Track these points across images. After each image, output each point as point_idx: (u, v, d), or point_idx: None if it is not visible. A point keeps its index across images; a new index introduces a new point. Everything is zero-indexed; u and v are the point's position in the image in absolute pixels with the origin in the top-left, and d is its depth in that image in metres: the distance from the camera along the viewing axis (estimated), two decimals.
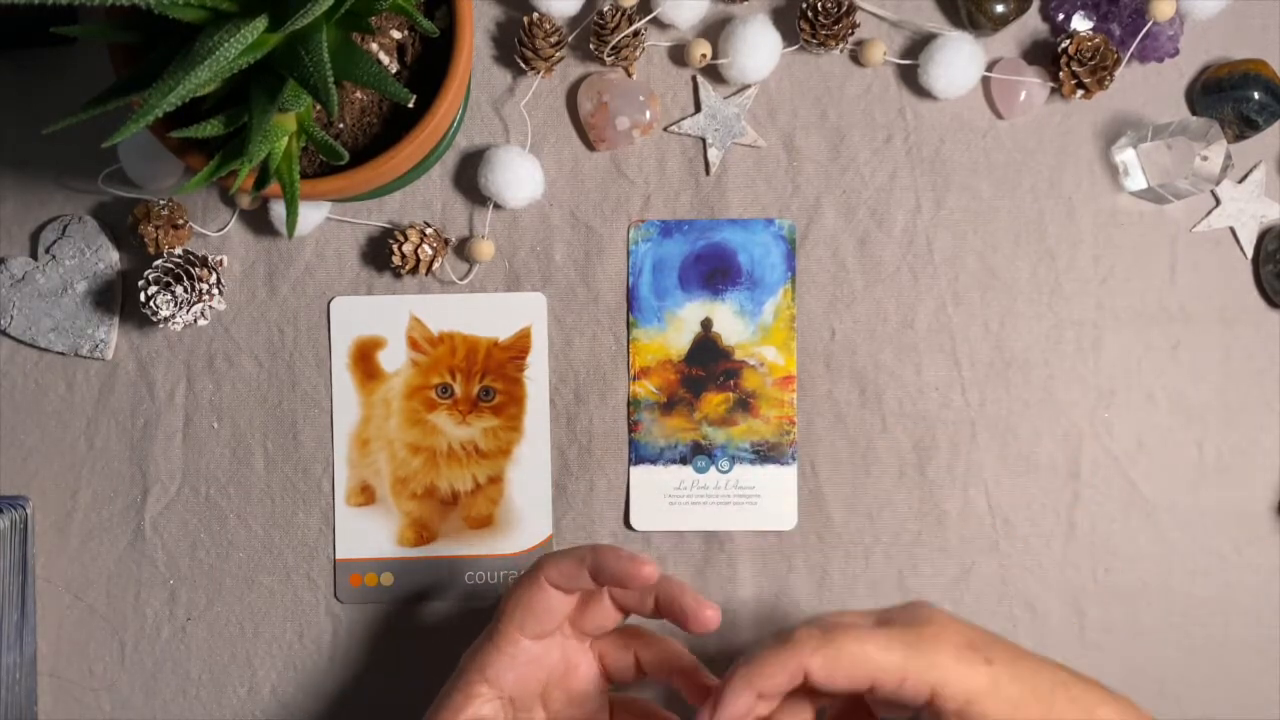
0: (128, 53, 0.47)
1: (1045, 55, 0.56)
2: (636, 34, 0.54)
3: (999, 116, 0.56)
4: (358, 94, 0.49)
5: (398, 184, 0.56)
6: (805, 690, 0.42)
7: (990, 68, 0.55)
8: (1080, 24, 0.55)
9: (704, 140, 0.57)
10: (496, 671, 0.48)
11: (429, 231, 0.56)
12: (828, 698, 0.44)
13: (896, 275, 0.57)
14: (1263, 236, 0.56)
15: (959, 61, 0.54)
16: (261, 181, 0.46)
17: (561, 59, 0.56)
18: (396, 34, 0.49)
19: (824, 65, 0.57)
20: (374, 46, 0.48)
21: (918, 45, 0.56)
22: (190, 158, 0.48)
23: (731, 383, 0.57)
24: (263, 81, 0.43)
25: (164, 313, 0.54)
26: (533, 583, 0.48)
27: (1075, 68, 0.54)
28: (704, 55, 0.55)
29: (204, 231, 0.57)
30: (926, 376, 0.57)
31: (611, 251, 0.57)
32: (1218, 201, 0.56)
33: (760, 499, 0.56)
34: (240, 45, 0.40)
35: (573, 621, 0.49)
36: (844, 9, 0.54)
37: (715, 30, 0.56)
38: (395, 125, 0.48)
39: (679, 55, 0.57)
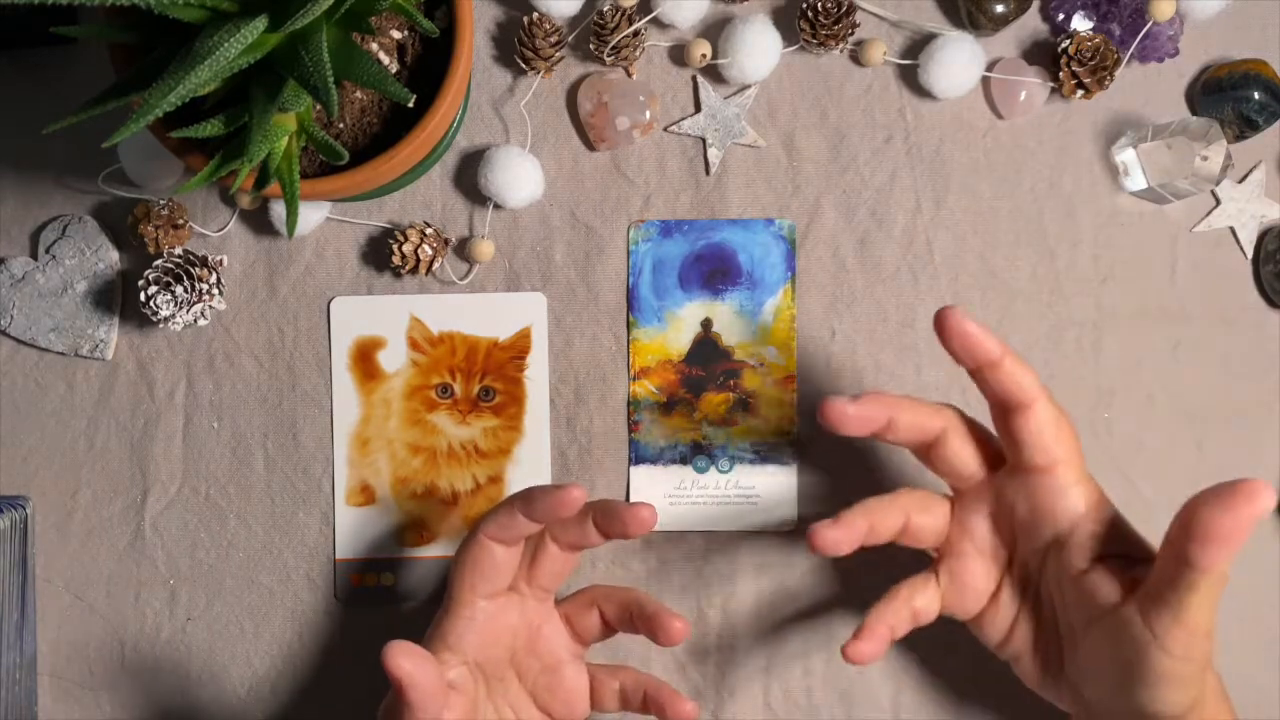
0: (128, 53, 0.47)
1: (1045, 55, 0.56)
2: (636, 34, 0.54)
3: (999, 116, 0.56)
4: (358, 94, 0.49)
5: (398, 184, 0.56)
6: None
7: (990, 68, 0.55)
8: (1080, 24, 0.55)
9: (704, 140, 0.57)
10: (457, 636, 0.49)
11: (429, 231, 0.56)
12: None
13: (896, 275, 0.57)
14: (1263, 236, 0.56)
15: (959, 61, 0.54)
16: (261, 181, 0.46)
17: (561, 59, 0.56)
18: (396, 34, 0.49)
19: (824, 65, 0.57)
20: (374, 46, 0.48)
21: (918, 45, 0.56)
22: (190, 158, 0.48)
23: (731, 383, 0.57)
24: (263, 81, 0.43)
25: (164, 313, 0.54)
26: (474, 542, 0.49)
27: (1075, 68, 0.54)
28: (704, 55, 0.55)
29: (204, 231, 0.57)
30: (926, 376, 0.57)
31: (611, 251, 0.57)
32: (1218, 201, 0.56)
33: (760, 499, 0.56)
34: (240, 45, 0.40)
35: (529, 579, 0.50)
36: (844, 9, 0.54)
37: (715, 30, 0.56)
38: (395, 125, 0.48)
39: (679, 55, 0.57)
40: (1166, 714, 0.43)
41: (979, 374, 0.46)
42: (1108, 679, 0.45)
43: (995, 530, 0.48)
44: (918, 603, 0.49)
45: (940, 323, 0.45)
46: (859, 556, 0.57)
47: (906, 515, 0.48)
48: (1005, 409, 0.46)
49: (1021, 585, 0.49)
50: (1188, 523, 0.41)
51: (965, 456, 0.48)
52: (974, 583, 0.49)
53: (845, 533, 0.46)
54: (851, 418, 0.46)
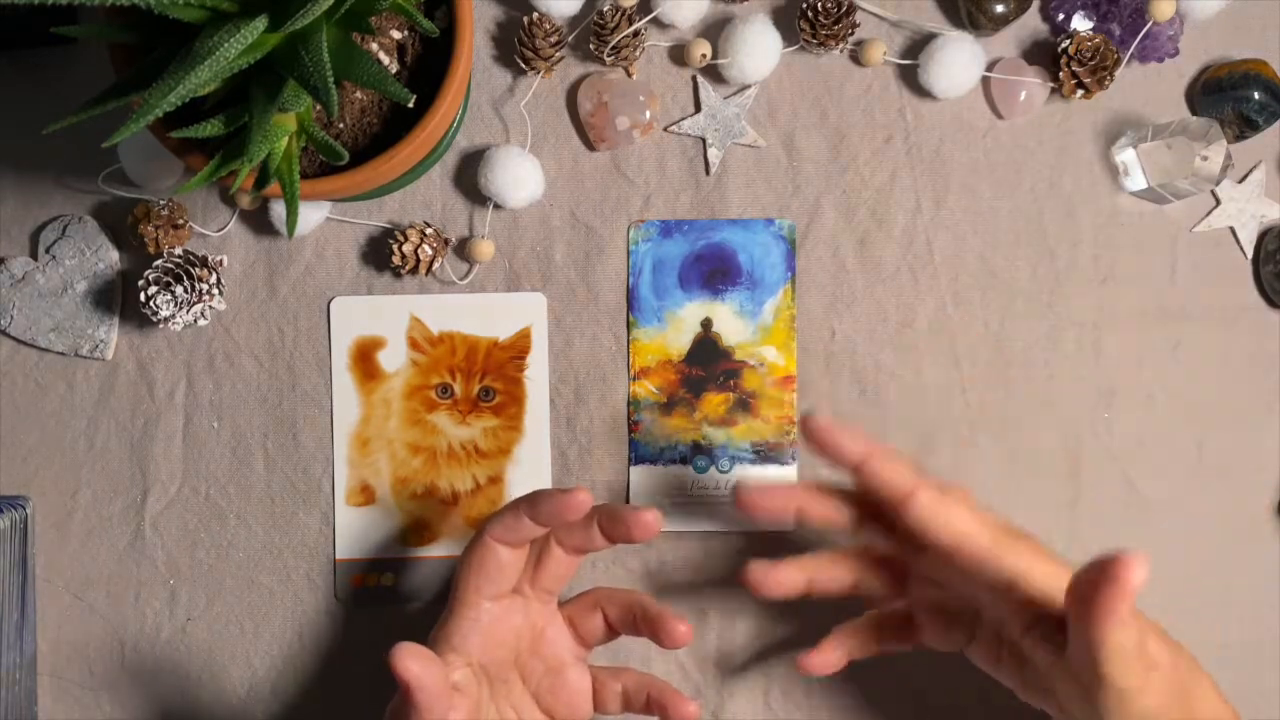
0: (128, 53, 0.47)
1: (1045, 55, 0.56)
2: (636, 34, 0.54)
3: (999, 116, 0.56)
4: (358, 94, 0.49)
5: (398, 184, 0.56)
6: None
7: (990, 68, 0.55)
8: (1080, 24, 0.55)
9: (704, 140, 0.57)
10: (461, 638, 0.49)
11: (429, 231, 0.56)
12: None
13: (896, 275, 0.57)
14: (1263, 236, 0.56)
15: (959, 61, 0.54)
16: (261, 181, 0.46)
17: (561, 59, 0.56)
18: (396, 34, 0.49)
19: (824, 65, 0.57)
20: (374, 46, 0.48)
21: (918, 45, 0.56)
22: (190, 158, 0.48)
23: (731, 383, 0.57)
24: (263, 81, 0.43)
25: (164, 313, 0.54)
26: (480, 544, 0.49)
27: (1075, 68, 0.54)
28: (704, 55, 0.55)
29: (204, 231, 0.57)
30: (926, 376, 0.57)
31: (611, 251, 0.57)
32: (1218, 201, 0.56)
33: None
34: (240, 45, 0.40)
35: (533, 581, 0.50)
36: (844, 9, 0.54)
37: (715, 30, 0.56)
38: (395, 125, 0.48)
39: (679, 55, 0.57)
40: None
41: (856, 474, 0.47)
42: (1087, 711, 0.45)
43: (954, 595, 0.49)
44: (885, 636, 0.50)
45: (805, 429, 0.47)
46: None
47: (856, 578, 0.50)
48: (893, 505, 0.47)
49: (997, 634, 0.49)
50: (1071, 599, 0.42)
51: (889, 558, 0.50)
52: (945, 635, 0.50)
53: (779, 578, 0.49)
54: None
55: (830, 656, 0.49)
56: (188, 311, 0.55)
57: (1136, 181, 0.55)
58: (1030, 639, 0.45)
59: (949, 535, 0.45)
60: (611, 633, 0.51)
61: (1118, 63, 0.54)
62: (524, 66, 0.55)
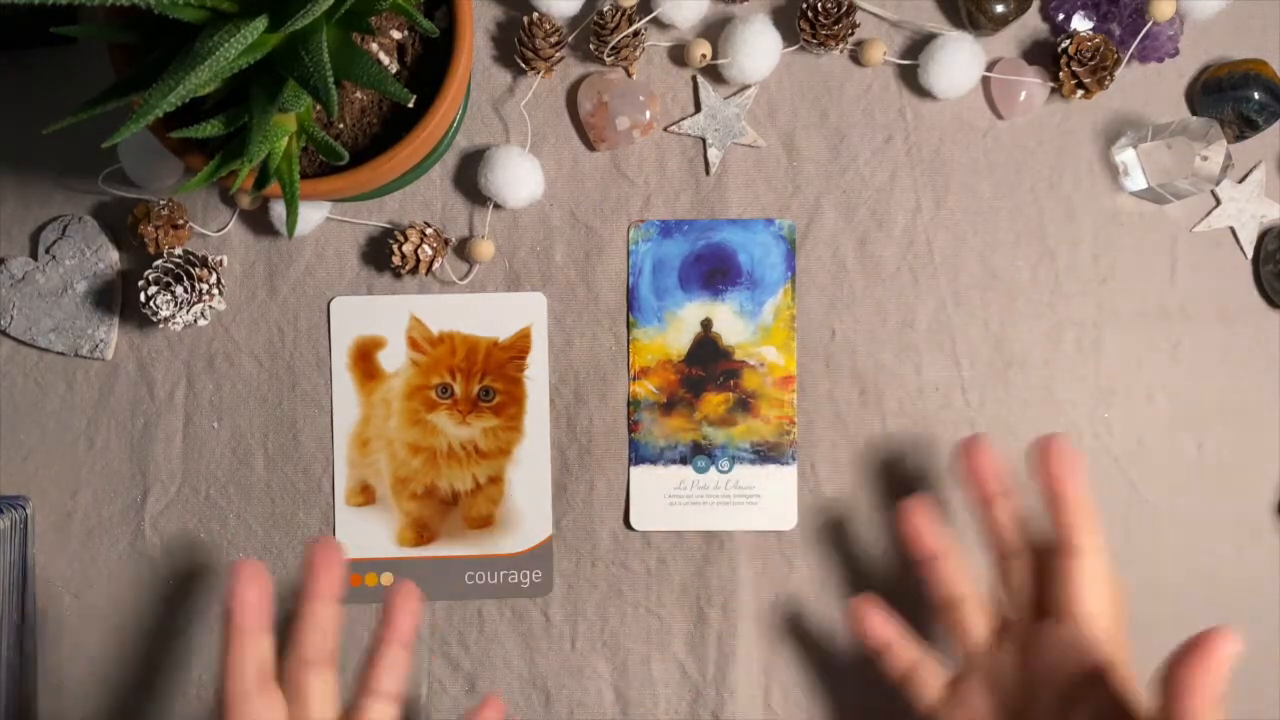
0: (128, 53, 0.47)
1: (1045, 55, 0.56)
2: (636, 34, 0.54)
3: (999, 116, 0.56)
4: (358, 94, 0.49)
5: (398, 184, 0.56)
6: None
7: (990, 68, 0.55)
8: (1080, 24, 0.55)
9: (704, 140, 0.57)
10: None
11: (429, 231, 0.56)
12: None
13: (896, 275, 0.57)
14: (1263, 236, 0.56)
15: (959, 61, 0.54)
16: (261, 181, 0.46)
17: (561, 59, 0.56)
18: (396, 34, 0.49)
19: (824, 65, 0.57)
20: (374, 46, 0.48)
21: (918, 45, 0.56)
22: (190, 158, 0.48)
23: (731, 383, 0.57)
24: (263, 81, 0.43)
25: (164, 313, 0.54)
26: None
27: (1075, 68, 0.54)
28: (704, 55, 0.55)
29: (204, 231, 0.57)
30: (926, 376, 0.57)
31: (611, 251, 0.57)
32: (1218, 201, 0.56)
33: (760, 499, 0.57)
34: (240, 45, 0.40)
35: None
36: (844, 9, 0.54)
37: (715, 30, 0.56)
38: (395, 125, 0.48)
39: (679, 55, 0.57)
40: None
41: (1055, 497, 0.47)
42: None
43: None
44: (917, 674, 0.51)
45: (1039, 451, 0.48)
46: (859, 566, 0.57)
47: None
48: (1062, 549, 0.47)
49: None
50: (1164, 684, 0.42)
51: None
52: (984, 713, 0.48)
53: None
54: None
55: (880, 629, 0.51)
56: (188, 311, 0.55)
57: (1136, 181, 0.55)
58: None
59: (1092, 605, 0.46)
60: None
61: (1118, 63, 0.54)
62: (524, 66, 0.55)
